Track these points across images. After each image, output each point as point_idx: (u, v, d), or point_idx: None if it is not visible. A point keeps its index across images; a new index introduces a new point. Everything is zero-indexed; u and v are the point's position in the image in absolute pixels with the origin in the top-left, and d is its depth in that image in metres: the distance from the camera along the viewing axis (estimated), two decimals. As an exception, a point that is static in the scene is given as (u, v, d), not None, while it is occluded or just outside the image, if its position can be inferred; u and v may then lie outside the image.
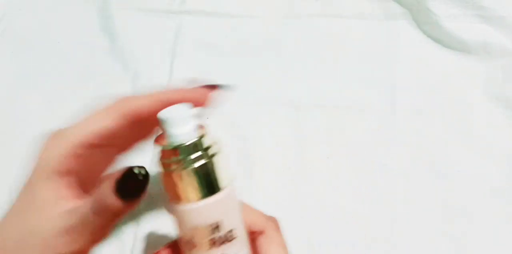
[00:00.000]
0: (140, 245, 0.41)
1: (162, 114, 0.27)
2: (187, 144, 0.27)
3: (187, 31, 0.51)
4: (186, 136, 0.27)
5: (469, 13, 0.48)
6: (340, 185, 0.43)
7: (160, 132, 0.28)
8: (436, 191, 0.43)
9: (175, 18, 0.51)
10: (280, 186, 0.43)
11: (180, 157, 0.27)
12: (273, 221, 0.31)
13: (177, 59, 0.49)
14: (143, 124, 0.29)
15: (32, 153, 0.30)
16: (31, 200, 0.28)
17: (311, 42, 0.50)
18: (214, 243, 0.28)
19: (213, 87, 0.31)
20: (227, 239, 0.28)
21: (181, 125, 0.27)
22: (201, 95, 0.30)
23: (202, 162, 0.27)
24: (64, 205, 0.28)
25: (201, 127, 0.28)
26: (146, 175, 0.26)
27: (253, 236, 0.31)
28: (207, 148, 0.27)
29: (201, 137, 0.27)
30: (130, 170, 0.26)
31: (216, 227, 0.28)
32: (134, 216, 0.42)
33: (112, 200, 0.25)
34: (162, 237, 0.41)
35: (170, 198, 0.28)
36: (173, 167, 0.27)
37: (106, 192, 0.26)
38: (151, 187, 0.26)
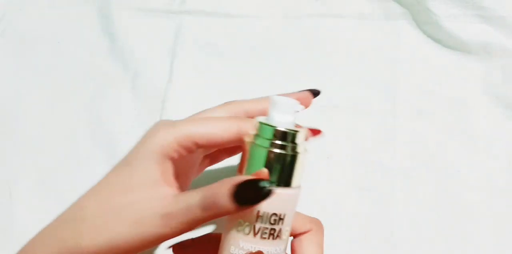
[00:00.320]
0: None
1: (277, 96, 0.28)
2: (285, 130, 0.28)
3: (187, 31, 0.51)
4: (288, 123, 0.28)
5: (469, 13, 0.48)
6: (340, 185, 0.43)
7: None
8: (436, 191, 0.43)
9: (175, 18, 0.51)
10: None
11: (271, 138, 0.28)
12: (317, 223, 0.32)
13: (177, 59, 0.49)
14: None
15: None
16: (133, 175, 0.29)
17: (311, 42, 0.50)
18: (269, 234, 0.28)
19: (315, 92, 0.35)
20: (278, 235, 0.28)
21: (288, 113, 0.28)
22: (305, 98, 0.33)
23: (291, 152, 0.28)
24: (166, 188, 0.29)
25: (298, 126, 0.29)
26: (271, 192, 0.26)
27: (296, 236, 0.31)
28: (297, 144, 0.28)
29: (298, 131, 0.28)
30: (256, 181, 0.26)
31: (277, 219, 0.28)
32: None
33: (226, 201, 0.26)
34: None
35: (240, 170, 0.29)
36: (261, 144, 0.28)
37: (222, 192, 0.26)
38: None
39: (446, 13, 0.48)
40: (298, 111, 0.29)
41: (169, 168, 0.29)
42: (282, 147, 0.28)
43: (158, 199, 0.28)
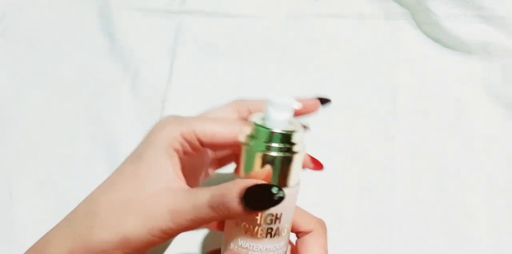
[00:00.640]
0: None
1: (271, 96, 0.28)
2: (281, 132, 0.27)
3: (187, 31, 0.51)
4: (283, 124, 0.28)
5: (469, 13, 0.48)
6: (340, 185, 0.43)
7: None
8: (436, 191, 0.43)
9: (175, 18, 0.51)
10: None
11: (267, 141, 0.27)
12: (321, 223, 0.32)
13: (177, 59, 0.49)
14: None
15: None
16: (144, 169, 0.29)
17: (311, 42, 0.50)
18: (263, 233, 0.28)
19: (324, 100, 0.35)
20: (275, 233, 0.28)
21: (282, 113, 0.28)
22: (313, 105, 0.34)
23: (285, 154, 0.27)
24: (177, 183, 0.29)
25: (295, 123, 0.29)
26: (282, 198, 0.26)
27: (299, 235, 0.32)
28: (294, 144, 0.28)
29: (294, 131, 0.28)
30: (268, 186, 0.27)
31: (273, 219, 0.28)
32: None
33: (235, 203, 0.26)
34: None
35: (237, 172, 0.29)
36: (256, 146, 0.28)
37: (232, 194, 0.26)
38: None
39: (446, 13, 0.48)
40: (295, 109, 0.28)
41: (177, 162, 0.30)
42: (277, 149, 0.27)
43: (168, 194, 0.28)
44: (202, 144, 0.30)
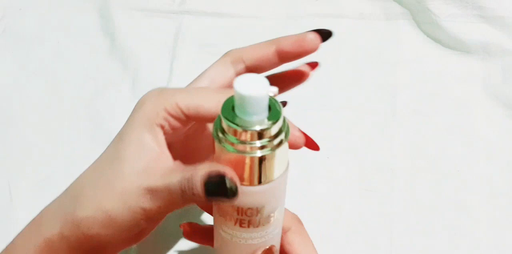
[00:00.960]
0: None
1: (241, 87, 0.23)
2: (256, 129, 0.24)
3: (187, 31, 0.51)
4: (259, 118, 0.24)
5: (469, 13, 0.48)
6: (340, 185, 0.43)
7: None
8: (436, 191, 0.43)
9: (175, 18, 0.51)
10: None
11: (245, 139, 0.24)
12: (297, 218, 0.32)
13: (177, 59, 0.49)
14: None
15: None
16: (124, 145, 0.29)
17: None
18: (248, 224, 0.27)
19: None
20: (259, 223, 0.27)
21: (256, 107, 0.24)
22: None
23: (264, 151, 0.25)
24: (159, 159, 0.28)
25: (274, 106, 0.25)
26: (235, 193, 0.25)
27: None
28: (275, 136, 0.25)
29: (273, 123, 0.24)
30: (224, 179, 0.25)
31: (256, 212, 0.27)
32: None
33: (198, 189, 0.25)
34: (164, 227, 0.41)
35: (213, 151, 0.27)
36: (231, 146, 0.25)
37: (197, 178, 0.26)
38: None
39: (446, 13, 0.49)
40: (272, 93, 0.24)
41: (160, 137, 0.29)
42: (248, 148, 0.24)
43: (146, 173, 0.27)
44: (188, 117, 0.28)
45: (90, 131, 0.46)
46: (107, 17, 0.51)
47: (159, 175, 0.27)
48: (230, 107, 0.24)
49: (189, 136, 0.33)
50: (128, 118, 0.30)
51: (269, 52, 0.32)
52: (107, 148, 0.30)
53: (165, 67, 0.49)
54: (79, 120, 0.47)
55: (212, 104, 0.28)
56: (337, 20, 0.51)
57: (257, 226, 0.27)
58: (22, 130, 0.46)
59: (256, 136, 0.24)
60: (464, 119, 0.46)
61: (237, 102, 0.24)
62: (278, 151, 0.25)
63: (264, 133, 0.24)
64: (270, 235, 0.29)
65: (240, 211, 0.27)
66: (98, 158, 0.30)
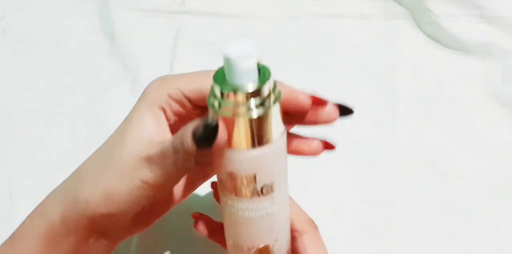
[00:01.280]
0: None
1: (228, 51, 0.24)
2: (248, 89, 0.24)
3: (187, 31, 0.51)
4: (249, 79, 0.24)
5: (469, 13, 0.48)
6: (340, 185, 0.43)
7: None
8: (436, 191, 0.43)
9: (175, 18, 0.51)
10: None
11: (236, 101, 0.24)
12: (313, 223, 0.32)
13: (177, 59, 0.49)
14: None
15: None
16: (126, 127, 0.29)
17: (311, 42, 0.50)
18: (247, 193, 0.27)
19: (344, 109, 0.31)
20: (254, 193, 0.27)
21: (245, 67, 0.24)
22: (329, 112, 0.29)
23: (259, 111, 0.25)
24: (156, 136, 0.29)
25: (264, 70, 0.26)
26: (216, 125, 0.25)
27: (293, 235, 0.32)
28: (267, 96, 0.25)
29: (264, 81, 0.25)
30: (205, 119, 0.25)
31: (249, 179, 0.27)
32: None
33: (189, 140, 0.26)
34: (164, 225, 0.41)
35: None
36: (225, 109, 0.25)
37: (187, 134, 0.26)
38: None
39: (446, 13, 0.49)
40: (259, 54, 0.25)
41: (161, 119, 0.29)
42: (239, 110, 0.25)
43: (144, 145, 0.28)
44: (191, 101, 0.29)
45: (90, 130, 0.46)
46: (107, 17, 0.51)
47: (155, 144, 0.28)
48: (221, 75, 0.25)
49: None
50: (134, 106, 0.30)
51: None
52: (115, 130, 0.31)
53: (165, 67, 0.49)
54: (79, 120, 0.47)
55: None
56: (337, 20, 0.51)
57: (252, 196, 0.27)
58: (22, 129, 0.46)
59: (245, 97, 0.24)
60: (464, 119, 0.46)
61: (226, 68, 0.24)
62: (269, 113, 0.25)
63: (253, 94, 0.24)
64: (269, 210, 0.28)
65: (234, 177, 0.27)
66: (105, 141, 0.31)
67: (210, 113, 0.26)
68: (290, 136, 0.30)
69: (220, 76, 0.25)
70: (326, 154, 0.45)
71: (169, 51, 0.50)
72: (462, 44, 0.48)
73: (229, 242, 0.31)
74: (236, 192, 0.27)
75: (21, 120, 0.47)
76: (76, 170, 0.31)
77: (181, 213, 0.41)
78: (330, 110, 0.29)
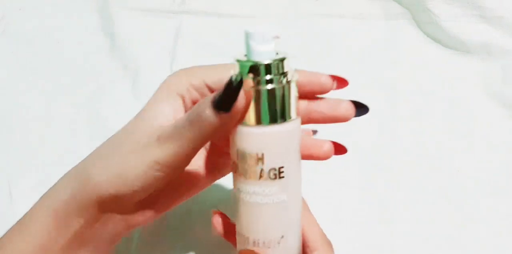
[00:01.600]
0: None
1: (249, 28, 0.26)
2: (266, 63, 0.26)
3: (187, 31, 0.51)
4: (267, 55, 0.26)
5: (469, 13, 0.48)
6: (340, 185, 0.43)
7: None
8: (436, 191, 0.43)
9: (175, 18, 0.51)
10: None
11: (251, 76, 0.26)
12: (329, 244, 0.31)
13: (177, 59, 0.49)
14: None
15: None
16: (144, 113, 0.30)
17: (311, 42, 0.50)
18: (254, 174, 0.27)
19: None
20: (260, 175, 0.27)
21: (264, 43, 0.26)
22: (324, 81, 0.30)
23: (270, 87, 0.26)
24: (169, 121, 0.29)
25: (282, 54, 0.27)
26: (240, 82, 0.25)
27: (304, 250, 0.31)
28: (282, 74, 0.26)
29: (282, 59, 0.26)
30: (229, 79, 0.26)
31: (260, 158, 0.27)
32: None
33: (207, 111, 0.26)
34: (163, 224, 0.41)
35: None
36: (244, 83, 0.26)
37: (205, 104, 0.26)
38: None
39: (446, 13, 0.49)
40: (279, 35, 0.26)
41: (178, 106, 0.30)
42: (267, 81, 0.26)
43: (158, 127, 0.28)
44: (212, 91, 0.29)
45: (90, 130, 0.46)
46: (107, 17, 0.51)
47: (168, 124, 0.28)
48: (244, 55, 0.27)
49: None
50: (154, 92, 0.31)
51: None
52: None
53: (165, 67, 0.49)
54: (79, 120, 0.47)
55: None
56: (337, 20, 0.51)
57: (260, 178, 0.27)
58: (22, 129, 0.46)
59: (259, 71, 0.26)
60: (464, 119, 0.46)
61: (246, 45, 0.26)
62: (281, 92, 0.26)
63: (267, 69, 0.26)
64: (276, 198, 0.28)
65: (243, 155, 0.27)
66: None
67: None
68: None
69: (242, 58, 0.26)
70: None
71: (169, 51, 0.50)
72: (462, 44, 0.48)
73: (237, 234, 0.30)
74: (244, 172, 0.27)
75: (21, 120, 0.47)
76: (90, 154, 0.31)
77: (181, 213, 0.41)
78: (347, 106, 0.31)
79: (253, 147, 0.27)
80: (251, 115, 0.26)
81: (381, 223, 0.42)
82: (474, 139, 0.45)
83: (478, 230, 0.41)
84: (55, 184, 0.32)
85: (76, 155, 0.45)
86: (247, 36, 0.26)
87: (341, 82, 0.31)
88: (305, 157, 0.30)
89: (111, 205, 0.29)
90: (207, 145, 0.33)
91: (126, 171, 0.28)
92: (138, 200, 0.30)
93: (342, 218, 0.42)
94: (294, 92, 0.27)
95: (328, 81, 0.30)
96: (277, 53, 0.26)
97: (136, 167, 0.28)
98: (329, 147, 0.31)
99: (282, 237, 0.29)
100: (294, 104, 0.27)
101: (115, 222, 0.31)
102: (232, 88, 0.25)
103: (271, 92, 0.26)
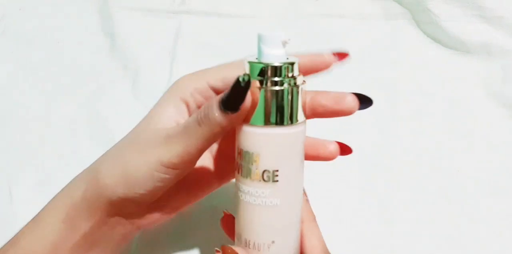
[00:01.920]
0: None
1: (262, 31, 0.27)
2: (276, 64, 0.26)
3: (187, 31, 0.51)
4: (278, 58, 0.27)
5: (469, 13, 0.48)
6: (341, 186, 0.43)
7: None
8: (436, 191, 0.43)
9: (175, 18, 0.51)
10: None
11: (263, 76, 0.26)
12: (312, 213, 0.32)
13: (177, 59, 0.49)
14: None
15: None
16: (151, 116, 0.30)
17: (311, 42, 0.50)
18: (249, 173, 0.27)
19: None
20: (255, 176, 0.27)
21: (275, 47, 0.27)
22: (328, 59, 0.31)
23: (281, 87, 0.26)
24: (176, 123, 0.30)
25: (292, 59, 0.27)
26: (248, 82, 0.26)
27: None
28: (292, 77, 0.27)
29: (292, 63, 0.27)
30: (237, 79, 0.26)
31: (255, 158, 0.27)
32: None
33: (215, 111, 0.26)
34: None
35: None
36: (252, 83, 0.26)
37: (212, 104, 0.26)
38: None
39: (446, 13, 0.49)
40: (289, 40, 0.27)
41: (183, 111, 0.30)
42: (275, 83, 0.26)
43: (164, 128, 0.29)
44: (217, 91, 0.30)
45: (90, 130, 0.46)
46: (107, 17, 0.51)
47: (176, 125, 0.29)
48: (255, 57, 0.27)
49: None
50: (160, 98, 0.31)
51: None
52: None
53: (165, 67, 0.49)
54: (79, 120, 0.47)
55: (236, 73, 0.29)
56: (337, 20, 0.51)
57: (253, 178, 0.27)
58: (22, 129, 0.46)
59: (266, 73, 0.26)
60: (464, 119, 0.46)
61: (257, 47, 0.27)
62: (284, 94, 0.26)
63: (275, 71, 0.26)
64: (268, 201, 0.28)
65: (240, 153, 0.27)
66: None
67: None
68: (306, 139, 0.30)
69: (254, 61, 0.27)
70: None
71: (169, 51, 0.50)
72: (462, 44, 0.48)
73: (235, 230, 0.30)
74: (242, 171, 0.28)
75: (21, 120, 0.47)
76: (101, 156, 0.32)
77: (181, 213, 0.41)
78: (350, 99, 0.30)
79: (250, 146, 0.27)
80: (253, 114, 0.27)
81: (381, 223, 0.42)
82: (474, 139, 0.45)
83: (478, 230, 0.41)
84: (69, 183, 0.32)
85: (76, 155, 0.45)
86: (259, 39, 0.26)
87: (341, 55, 0.32)
88: (311, 157, 0.30)
89: (121, 205, 0.30)
90: (215, 147, 0.33)
91: (132, 172, 0.29)
92: (147, 203, 0.30)
93: (342, 218, 0.42)
94: (300, 97, 0.27)
95: (330, 56, 0.31)
96: (287, 58, 0.27)
97: (142, 168, 0.28)
98: (335, 148, 0.32)
99: (273, 242, 0.28)
100: (299, 109, 0.27)
101: (123, 225, 0.31)
102: (239, 89, 0.26)
103: (275, 93, 0.26)
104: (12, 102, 0.48)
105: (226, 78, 0.29)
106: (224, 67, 0.30)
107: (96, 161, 0.32)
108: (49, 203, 0.32)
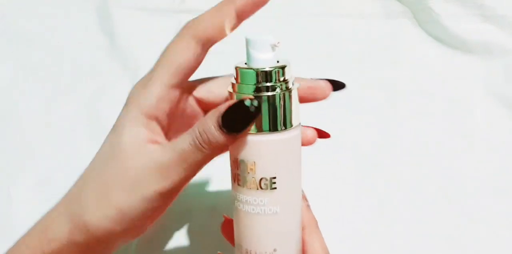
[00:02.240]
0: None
1: (250, 35, 0.26)
2: (266, 69, 0.26)
3: (187, 30, 0.51)
4: (268, 62, 0.26)
5: (470, 12, 0.48)
6: (341, 186, 0.43)
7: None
8: (436, 190, 0.43)
9: (175, 17, 0.51)
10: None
11: (253, 82, 0.26)
12: (314, 218, 0.31)
13: (176, 59, 0.49)
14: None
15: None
16: (119, 141, 0.28)
17: (311, 41, 0.50)
18: (246, 181, 0.27)
19: (337, 84, 0.32)
20: (252, 184, 0.27)
21: (264, 51, 0.26)
22: (321, 88, 0.31)
23: (273, 92, 0.26)
24: (152, 146, 0.28)
25: (283, 59, 0.27)
26: (259, 108, 0.25)
27: None
28: (284, 81, 0.26)
29: (282, 67, 0.26)
30: (240, 102, 0.25)
31: (251, 166, 0.26)
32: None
33: (214, 132, 0.25)
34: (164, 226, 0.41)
35: None
36: (242, 90, 0.26)
37: (209, 125, 0.26)
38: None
39: (447, 12, 0.48)
40: (279, 43, 0.26)
41: (155, 128, 0.29)
42: (266, 88, 0.26)
43: (149, 155, 0.27)
44: (178, 85, 0.29)
45: (89, 131, 0.46)
46: (107, 17, 0.51)
47: (163, 151, 0.27)
48: (244, 63, 0.27)
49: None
50: (122, 111, 0.30)
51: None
52: (104, 142, 0.30)
53: (165, 67, 0.49)
54: (79, 120, 0.47)
55: (188, 57, 0.29)
56: (337, 20, 0.50)
57: (250, 187, 0.27)
58: (22, 130, 0.46)
59: (256, 78, 0.25)
60: (465, 119, 0.46)
61: (246, 52, 0.26)
62: (276, 101, 0.26)
63: (265, 76, 0.25)
64: (267, 209, 0.27)
65: (236, 162, 0.27)
66: (95, 157, 0.30)
67: (229, 97, 0.26)
68: None
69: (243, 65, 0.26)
70: (326, 154, 0.45)
71: (169, 51, 0.50)
72: (464, 43, 0.48)
73: (235, 242, 0.30)
74: (237, 179, 0.27)
75: (21, 120, 0.47)
76: (75, 189, 0.30)
77: (181, 213, 0.41)
78: (323, 85, 0.31)
79: (245, 155, 0.26)
80: (266, 122, 0.26)
81: (381, 223, 0.42)
82: (474, 139, 0.45)
83: (478, 230, 0.41)
84: (44, 222, 0.30)
85: (76, 155, 0.45)
86: (248, 43, 0.26)
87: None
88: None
89: (111, 239, 0.29)
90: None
91: (126, 208, 0.27)
92: (137, 228, 0.29)
93: (342, 218, 0.42)
94: (293, 101, 0.27)
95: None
96: (278, 61, 0.26)
97: (137, 202, 0.27)
98: (312, 133, 0.31)
99: (275, 250, 0.28)
100: (292, 113, 0.27)
101: (109, 249, 0.30)
102: (248, 114, 0.25)
103: (267, 99, 0.26)
104: (12, 102, 0.48)
105: (185, 67, 0.29)
106: (176, 55, 0.30)
107: (76, 199, 0.29)
108: (21, 245, 0.30)
